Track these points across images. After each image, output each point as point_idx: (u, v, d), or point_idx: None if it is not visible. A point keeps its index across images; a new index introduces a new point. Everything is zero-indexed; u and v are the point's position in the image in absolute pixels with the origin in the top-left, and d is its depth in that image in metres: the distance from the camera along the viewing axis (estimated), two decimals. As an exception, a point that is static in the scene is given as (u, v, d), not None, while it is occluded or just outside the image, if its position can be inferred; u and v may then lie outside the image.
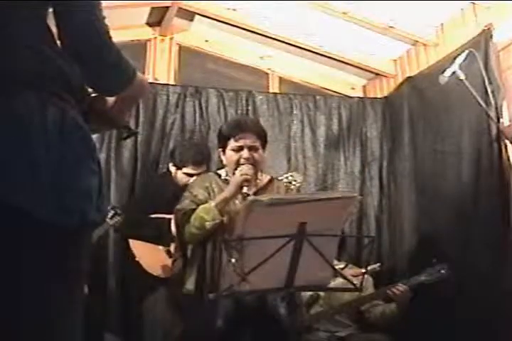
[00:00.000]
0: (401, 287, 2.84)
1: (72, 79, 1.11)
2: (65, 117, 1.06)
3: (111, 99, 1.28)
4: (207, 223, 2.21)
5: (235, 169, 2.35)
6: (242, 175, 2.28)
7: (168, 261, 2.85)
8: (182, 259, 2.38)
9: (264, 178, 2.49)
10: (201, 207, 2.27)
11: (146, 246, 2.98)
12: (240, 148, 2.39)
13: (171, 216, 2.92)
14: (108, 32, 1.17)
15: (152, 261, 2.94)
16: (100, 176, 1.12)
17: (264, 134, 2.49)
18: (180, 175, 3.05)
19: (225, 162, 2.48)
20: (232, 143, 2.40)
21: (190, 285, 2.26)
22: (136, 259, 2.93)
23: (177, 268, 2.39)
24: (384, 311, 2.96)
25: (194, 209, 2.28)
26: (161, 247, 2.98)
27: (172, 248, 2.90)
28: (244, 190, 2.27)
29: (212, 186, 2.40)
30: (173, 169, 3.12)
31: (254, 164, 2.36)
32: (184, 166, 3.03)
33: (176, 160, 3.11)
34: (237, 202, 2.33)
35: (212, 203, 2.26)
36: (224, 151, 2.45)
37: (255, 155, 2.39)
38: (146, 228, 2.92)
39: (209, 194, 2.36)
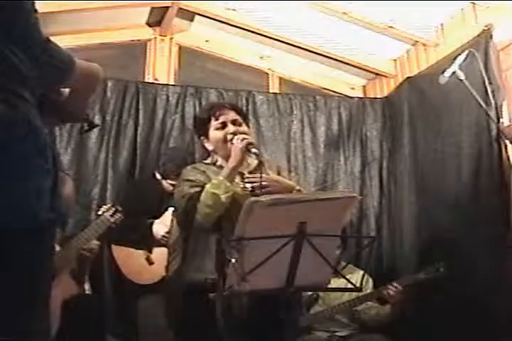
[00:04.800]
0: (395, 287, 2.85)
1: (26, 73, 1.08)
2: (14, 114, 1.03)
3: (66, 91, 1.25)
4: (222, 196, 2.10)
5: (225, 145, 2.26)
6: (242, 140, 2.21)
7: (148, 268, 2.84)
8: (182, 252, 2.25)
9: (253, 162, 2.38)
10: (208, 185, 2.16)
11: (126, 252, 2.96)
12: (223, 125, 2.31)
13: (152, 220, 2.93)
14: (36, 24, 1.12)
15: (132, 267, 2.93)
16: (54, 175, 1.09)
17: (243, 112, 2.45)
18: (166, 184, 3.04)
19: (211, 148, 2.36)
20: (213, 123, 2.32)
21: (204, 274, 2.12)
22: (118, 267, 2.94)
23: (176, 265, 2.27)
24: (378, 313, 2.98)
25: (198, 192, 2.16)
26: (141, 252, 2.96)
27: (154, 252, 2.89)
28: (254, 150, 2.18)
29: (208, 173, 2.28)
30: (159, 176, 3.11)
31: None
32: (168, 177, 3.02)
33: (160, 170, 3.11)
34: (236, 180, 2.24)
35: (220, 177, 2.16)
36: (207, 137, 2.35)
37: (241, 128, 2.31)
38: (129, 232, 2.89)
39: (208, 177, 2.24)
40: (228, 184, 2.14)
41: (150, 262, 2.89)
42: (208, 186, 2.15)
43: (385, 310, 2.95)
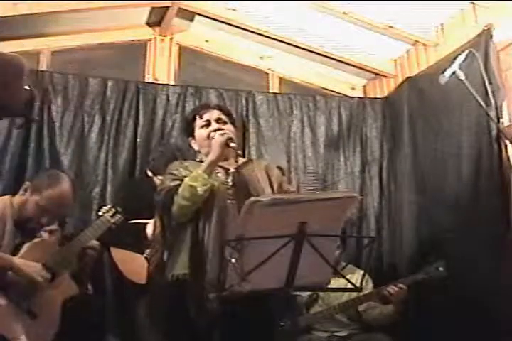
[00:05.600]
0: (397, 286, 2.85)
1: None
2: None
3: None
4: (199, 188, 2.11)
5: (209, 142, 2.28)
6: (222, 134, 2.24)
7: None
8: (161, 248, 2.26)
9: (241, 159, 2.43)
10: (187, 178, 2.17)
11: (126, 253, 2.96)
12: (207, 123, 2.36)
13: (148, 221, 2.92)
14: None
15: (132, 267, 2.92)
16: None
17: (229, 111, 2.50)
18: (157, 181, 3.01)
19: (196, 147, 2.40)
20: (198, 122, 2.38)
21: (181, 269, 2.14)
22: (117, 265, 2.93)
23: (156, 261, 2.29)
24: (381, 312, 2.97)
25: (178, 185, 2.18)
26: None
27: (147, 253, 2.89)
28: (232, 144, 2.21)
29: (190, 168, 2.28)
30: (150, 174, 3.11)
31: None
32: (159, 174, 3.01)
33: (150, 166, 3.10)
34: (219, 175, 2.27)
35: (199, 170, 2.17)
36: (193, 136, 2.40)
37: (224, 127, 2.35)
38: (124, 234, 2.88)
39: (190, 172, 2.24)
40: (206, 177, 2.15)
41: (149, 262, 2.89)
42: (186, 179, 2.17)
43: (388, 310, 2.94)
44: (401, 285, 2.86)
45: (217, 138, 2.24)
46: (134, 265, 2.92)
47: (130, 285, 2.91)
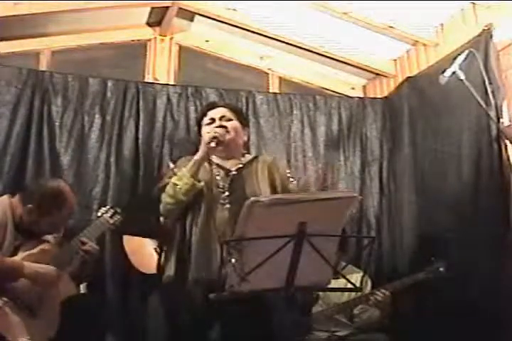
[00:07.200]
0: (382, 293, 2.86)
1: None
2: None
3: None
4: (178, 186, 2.17)
5: None
6: (208, 132, 2.29)
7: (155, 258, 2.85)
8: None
9: (247, 157, 2.45)
10: (174, 176, 2.24)
11: (138, 242, 2.96)
12: (212, 121, 2.39)
13: None
14: None
15: (141, 258, 2.93)
16: None
17: (237, 108, 2.53)
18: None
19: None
20: (204, 120, 2.43)
21: (169, 270, 2.21)
22: (128, 256, 2.94)
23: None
24: (370, 317, 2.98)
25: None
26: (152, 242, 2.96)
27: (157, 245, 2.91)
28: (212, 144, 2.23)
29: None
30: (172, 165, 3.11)
31: (226, 131, 2.34)
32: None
33: (171, 157, 3.12)
34: (218, 177, 2.30)
35: (185, 169, 2.23)
36: (201, 134, 2.43)
37: (226, 123, 2.37)
38: (142, 224, 2.89)
39: None
40: (188, 175, 2.19)
41: (158, 253, 2.90)
42: (173, 177, 2.23)
43: (376, 315, 2.96)
44: (384, 291, 2.86)
45: (204, 137, 2.30)
46: (145, 254, 2.93)
47: (138, 276, 2.91)
